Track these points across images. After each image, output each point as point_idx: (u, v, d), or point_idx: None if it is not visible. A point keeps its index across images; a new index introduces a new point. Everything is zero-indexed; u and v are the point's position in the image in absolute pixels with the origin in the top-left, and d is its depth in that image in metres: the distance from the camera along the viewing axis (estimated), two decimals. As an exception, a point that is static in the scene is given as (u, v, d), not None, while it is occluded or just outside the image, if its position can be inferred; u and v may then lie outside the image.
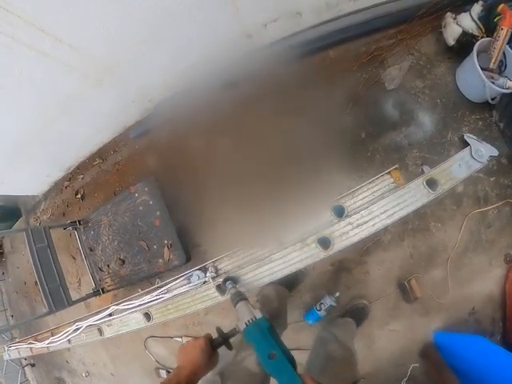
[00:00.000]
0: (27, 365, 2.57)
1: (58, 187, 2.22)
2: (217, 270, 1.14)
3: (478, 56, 1.37)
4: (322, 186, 1.42)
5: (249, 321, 0.71)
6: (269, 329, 0.70)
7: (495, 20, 1.35)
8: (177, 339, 1.88)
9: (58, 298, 1.61)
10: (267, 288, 1.39)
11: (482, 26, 1.41)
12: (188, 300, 1.15)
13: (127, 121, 1.86)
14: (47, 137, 1.73)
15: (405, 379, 1.53)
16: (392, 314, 1.54)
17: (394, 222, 0.92)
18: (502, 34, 1.33)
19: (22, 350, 1.76)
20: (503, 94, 1.41)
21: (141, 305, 1.27)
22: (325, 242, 0.98)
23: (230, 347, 0.81)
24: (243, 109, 1.66)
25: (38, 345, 1.63)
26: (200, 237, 1.74)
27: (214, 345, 0.81)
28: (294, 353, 0.66)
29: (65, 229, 1.88)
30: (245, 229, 1.27)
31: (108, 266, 1.83)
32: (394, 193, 0.98)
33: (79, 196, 2.11)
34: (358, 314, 1.48)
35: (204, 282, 1.13)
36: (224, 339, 0.80)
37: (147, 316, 1.24)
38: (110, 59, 1.36)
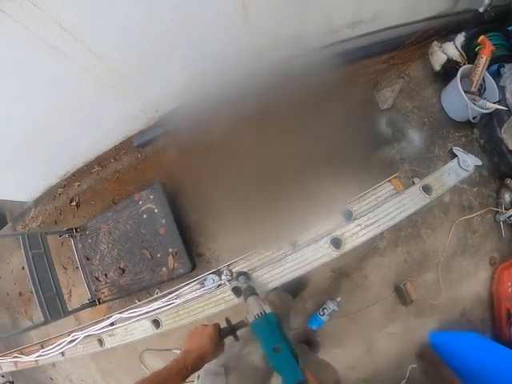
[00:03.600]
0: (5, 382, 2.37)
1: (50, 194, 2.14)
2: (231, 273, 1.16)
3: (461, 80, 1.55)
4: (325, 194, 1.50)
5: (258, 314, 0.74)
6: (277, 324, 0.73)
7: (476, 49, 1.54)
8: (175, 351, 1.83)
9: (54, 308, 1.54)
10: (271, 295, 1.43)
11: (464, 54, 1.60)
12: (201, 304, 1.15)
13: (131, 129, 1.87)
14: (49, 139, 1.69)
15: (404, 380, 1.58)
16: (389, 317, 1.61)
17: (391, 227, 1.01)
18: (482, 61, 1.51)
19: (5, 364, 1.63)
20: (483, 114, 1.58)
21: (148, 312, 1.25)
22: (337, 242, 1.06)
23: (236, 338, 0.83)
24: (250, 122, 1.72)
25: (25, 358, 1.52)
26: (204, 246, 1.75)
27: (222, 334, 0.83)
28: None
29: (60, 236, 1.82)
30: (254, 233, 1.31)
31: (106, 275, 1.78)
32: (395, 197, 1.09)
33: (74, 203, 2.06)
34: None
35: (218, 286, 1.15)
36: (232, 330, 0.82)
37: (156, 323, 1.22)
38: (125, 66, 1.38)
